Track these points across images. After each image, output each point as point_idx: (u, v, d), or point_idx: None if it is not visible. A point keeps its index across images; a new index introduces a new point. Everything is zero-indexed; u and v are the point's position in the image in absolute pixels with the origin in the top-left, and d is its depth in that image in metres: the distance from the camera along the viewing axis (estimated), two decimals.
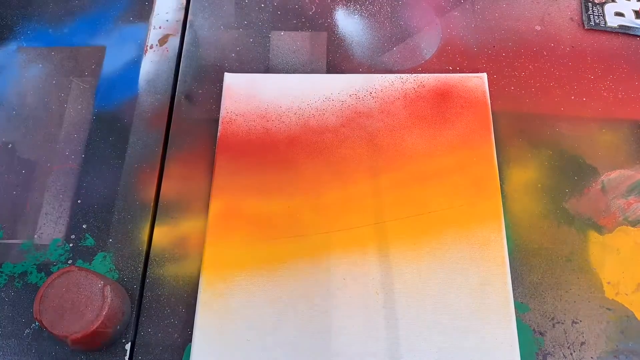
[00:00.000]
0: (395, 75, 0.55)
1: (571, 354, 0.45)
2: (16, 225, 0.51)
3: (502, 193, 0.50)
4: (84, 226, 0.51)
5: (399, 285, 0.46)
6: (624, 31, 0.58)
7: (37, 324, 0.47)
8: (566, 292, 0.47)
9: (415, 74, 0.55)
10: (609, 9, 0.59)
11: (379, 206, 0.49)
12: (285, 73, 0.57)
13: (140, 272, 0.49)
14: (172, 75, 0.58)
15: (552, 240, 0.49)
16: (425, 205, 0.49)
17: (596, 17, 0.59)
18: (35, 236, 0.50)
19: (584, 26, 0.59)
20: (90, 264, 0.49)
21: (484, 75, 0.55)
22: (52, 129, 0.55)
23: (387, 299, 0.46)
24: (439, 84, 0.54)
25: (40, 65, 0.59)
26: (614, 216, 0.50)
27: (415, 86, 0.54)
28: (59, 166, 0.53)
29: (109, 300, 0.42)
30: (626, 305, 0.46)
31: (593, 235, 0.49)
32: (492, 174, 0.50)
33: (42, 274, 0.49)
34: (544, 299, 0.47)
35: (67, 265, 0.49)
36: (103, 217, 0.51)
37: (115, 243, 0.50)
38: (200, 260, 0.48)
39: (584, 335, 0.46)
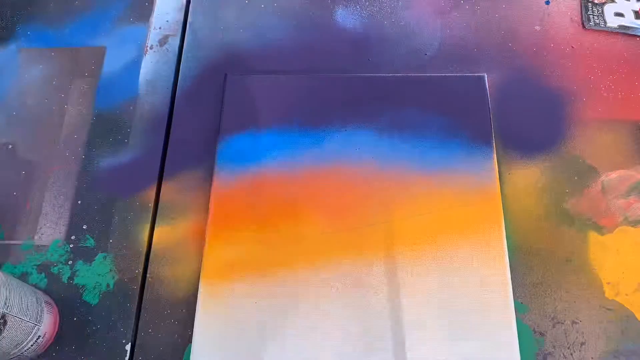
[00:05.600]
0: (396, 75, 0.55)
1: (571, 354, 0.45)
2: (16, 225, 0.51)
3: (502, 193, 0.50)
4: (84, 227, 0.51)
5: (399, 286, 0.46)
6: (623, 31, 0.58)
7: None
8: (566, 292, 0.47)
9: (416, 74, 0.55)
10: (609, 9, 0.59)
11: (379, 207, 0.49)
12: (286, 74, 0.57)
13: (141, 273, 0.49)
14: (172, 76, 0.58)
15: (552, 240, 0.49)
16: (426, 206, 0.49)
17: (596, 17, 0.59)
18: (36, 237, 0.50)
19: (583, 26, 0.59)
20: (90, 265, 0.49)
21: (484, 76, 0.55)
22: (52, 130, 0.55)
23: (387, 300, 0.46)
24: (439, 84, 0.54)
25: (41, 66, 0.59)
26: (614, 216, 0.50)
27: (416, 86, 0.54)
28: (59, 167, 0.54)
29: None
30: (626, 306, 0.46)
31: (593, 236, 0.49)
32: (492, 174, 0.50)
33: (43, 274, 0.49)
34: (544, 299, 0.47)
35: (68, 266, 0.49)
36: (103, 218, 0.51)
37: (115, 244, 0.50)
38: (200, 261, 0.48)
39: (584, 335, 0.46)
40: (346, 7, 0.61)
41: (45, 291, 0.48)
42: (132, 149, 0.54)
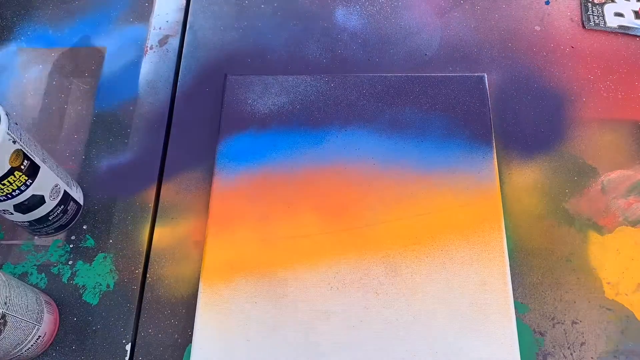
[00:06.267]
0: (396, 75, 0.55)
1: (571, 354, 0.45)
2: (17, 225, 0.51)
3: (502, 193, 0.50)
4: (84, 227, 0.51)
5: (399, 286, 0.46)
6: (623, 31, 0.58)
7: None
8: (566, 292, 0.47)
9: (416, 74, 0.55)
10: (609, 9, 0.59)
11: (380, 207, 0.49)
12: (286, 75, 0.57)
13: (141, 273, 0.49)
14: (172, 76, 0.58)
15: (552, 240, 0.49)
16: (426, 206, 0.49)
17: (596, 17, 0.59)
18: (36, 237, 0.50)
19: (583, 26, 0.59)
20: (90, 265, 0.49)
21: (484, 76, 0.55)
22: (52, 130, 0.55)
23: (387, 300, 0.46)
24: (439, 84, 0.54)
25: (41, 66, 0.59)
26: (614, 216, 0.50)
27: (416, 86, 0.54)
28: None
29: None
30: (626, 306, 0.46)
31: (593, 236, 0.49)
32: (492, 174, 0.50)
33: (43, 274, 0.49)
34: (544, 299, 0.47)
35: (68, 266, 0.49)
36: (103, 218, 0.51)
37: (115, 244, 0.50)
38: (201, 261, 0.48)
39: (584, 335, 0.46)
40: (346, 7, 0.61)
41: (45, 291, 0.48)
42: (132, 149, 0.54)
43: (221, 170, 0.51)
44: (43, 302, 0.45)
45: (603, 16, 0.59)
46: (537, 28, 0.59)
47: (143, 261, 0.49)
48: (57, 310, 0.47)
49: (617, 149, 0.53)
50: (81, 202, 0.51)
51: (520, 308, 0.47)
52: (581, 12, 0.60)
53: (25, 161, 0.42)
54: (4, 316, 0.39)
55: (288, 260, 0.47)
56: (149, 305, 0.48)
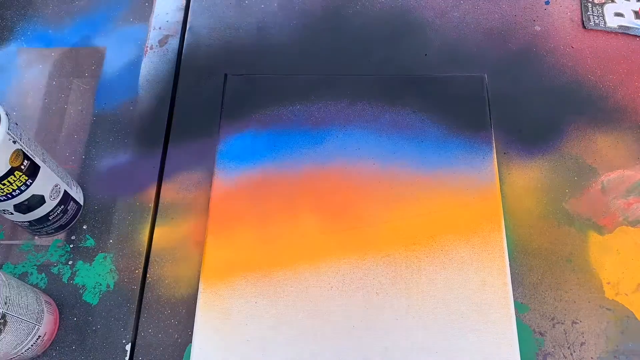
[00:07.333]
0: (396, 75, 0.55)
1: (571, 354, 0.45)
2: (17, 225, 0.51)
3: (502, 193, 0.50)
4: (84, 227, 0.51)
5: (399, 286, 0.46)
6: (623, 31, 0.58)
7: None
8: (566, 292, 0.47)
9: (416, 74, 0.55)
10: (609, 9, 0.59)
11: (379, 207, 0.49)
12: (286, 74, 0.57)
13: (141, 273, 0.49)
14: (172, 76, 0.58)
15: (552, 240, 0.49)
16: (426, 206, 0.49)
17: (596, 17, 0.59)
18: (36, 237, 0.50)
19: (584, 26, 0.59)
20: (90, 265, 0.49)
21: (484, 76, 0.55)
22: (52, 130, 0.55)
23: (387, 300, 0.46)
24: (439, 84, 0.54)
25: (41, 66, 0.59)
26: (614, 216, 0.50)
27: (416, 86, 0.54)
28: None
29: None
30: (626, 306, 0.46)
31: (593, 236, 0.49)
32: (492, 174, 0.50)
33: (43, 274, 0.49)
34: (544, 299, 0.47)
35: (68, 266, 0.49)
36: (103, 218, 0.51)
37: (115, 244, 0.50)
38: (200, 261, 0.48)
39: (584, 335, 0.46)
40: (346, 7, 0.61)
41: (45, 291, 0.48)
42: (132, 149, 0.54)
43: (221, 170, 0.51)
44: (43, 302, 0.45)
45: (603, 16, 0.59)
46: (537, 28, 0.59)
47: (143, 261, 0.49)
48: (57, 310, 0.47)
49: (617, 149, 0.53)
50: (81, 202, 0.51)
51: (520, 308, 0.47)
52: (581, 12, 0.60)
53: (25, 161, 0.42)
54: (4, 316, 0.39)
55: (288, 260, 0.47)
56: (149, 305, 0.48)
